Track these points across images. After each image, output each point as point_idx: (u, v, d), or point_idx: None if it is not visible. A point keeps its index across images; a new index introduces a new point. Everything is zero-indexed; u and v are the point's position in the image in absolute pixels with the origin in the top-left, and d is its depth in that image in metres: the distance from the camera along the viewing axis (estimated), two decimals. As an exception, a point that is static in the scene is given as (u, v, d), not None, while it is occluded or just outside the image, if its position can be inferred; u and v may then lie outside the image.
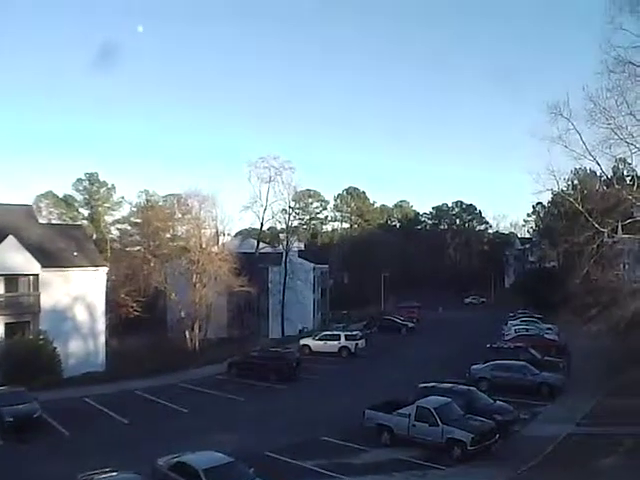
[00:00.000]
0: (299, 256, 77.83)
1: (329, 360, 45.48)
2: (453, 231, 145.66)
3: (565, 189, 47.40)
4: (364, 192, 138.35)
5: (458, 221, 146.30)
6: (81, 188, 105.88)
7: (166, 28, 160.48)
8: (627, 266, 42.16)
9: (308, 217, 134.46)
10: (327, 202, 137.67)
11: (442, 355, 45.82)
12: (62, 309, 41.22)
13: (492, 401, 26.39)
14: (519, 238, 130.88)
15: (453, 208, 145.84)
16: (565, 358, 39.74)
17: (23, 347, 36.37)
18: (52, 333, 38.26)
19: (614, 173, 40.73)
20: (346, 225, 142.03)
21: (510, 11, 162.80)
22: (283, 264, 71.21)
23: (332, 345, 48.35)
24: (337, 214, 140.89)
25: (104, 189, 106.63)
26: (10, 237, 38.51)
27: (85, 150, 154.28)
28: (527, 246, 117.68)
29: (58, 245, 42.74)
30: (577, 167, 45.38)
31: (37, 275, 39.77)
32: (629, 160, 35.15)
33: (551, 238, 75.15)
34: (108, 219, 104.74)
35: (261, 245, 73.18)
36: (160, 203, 76.95)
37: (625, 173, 41.94)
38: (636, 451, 21.19)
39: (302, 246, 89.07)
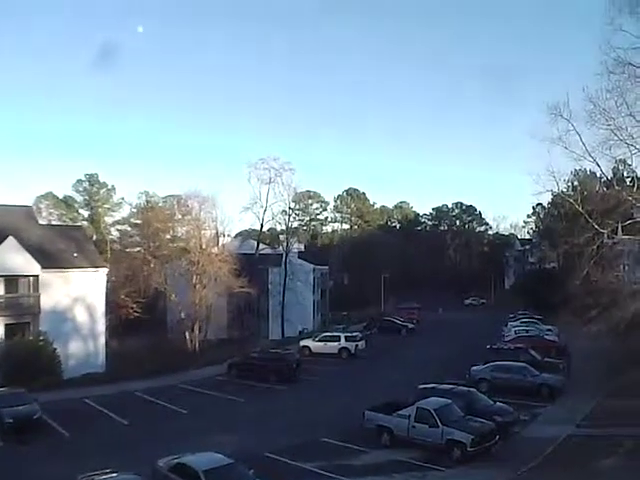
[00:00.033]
0: (299, 257, 77.92)
1: (329, 361, 45.49)
2: (453, 232, 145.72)
3: (565, 190, 47.45)
4: (364, 193, 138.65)
5: (458, 222, 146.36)
6: (81, 189, 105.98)
7: (166, 29, 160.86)
8: (627, 267, 42.17)
9: (308, 218, 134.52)
10: (327, 203, 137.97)
11: (442, 356, 45.80)
12: (62, 310, 41.23)
13: (492, 402, 26.37)
14: (519, 239, 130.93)
15: (453, 209, 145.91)
16: (565, 359, 39.71)
17: (23, 348, 36.35)
18: (52, 334, 38.24)
19: (614, 174, 40.77)
20: (346, 226, 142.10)
21: (510, 12, 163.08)
22: (283, 265, 71.20)
23: (332, 346, 48.34)
24: (337, 215, 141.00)
25: (104, 190, 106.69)
26: (10, 238, 38.52)
27: (85, 151, 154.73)
28: (527, 247, 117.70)
29: (58, 246, 42.74)
30: (577, 168, 45.51)
31: (37, 276, 39.77)
32: (629, 161, 35.15)
33: (551, 239, 75.17)
34: (108, 220, 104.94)
35: (261, 246, 73.17)
36: (160, 204, 76.92)
37: (625, 174, 42.00)
38: (636, 452, 21.17)
39: (302, 247, 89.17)
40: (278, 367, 38.37)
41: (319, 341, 49.69)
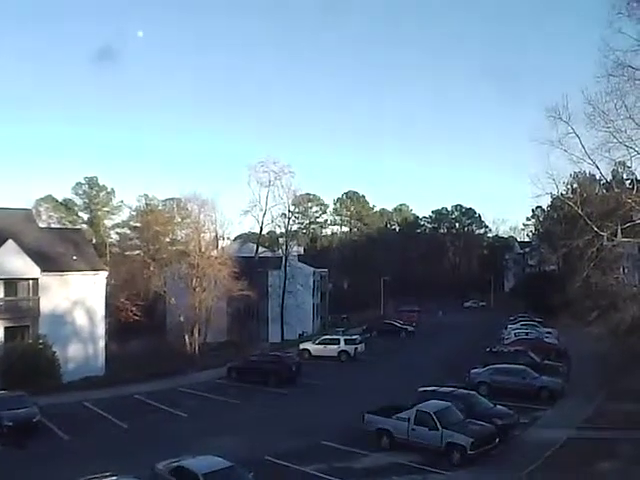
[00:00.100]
0: (299, 260, 77.99)
1: (329, 364, 45.46)
2: (452, 235, 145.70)
3: (564, 193, 47.49)
4: (363, 196, 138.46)
5: (457, 225, 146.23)
6: (81, 192, 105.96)
7: (166, 32, 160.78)
8: (627, 270, 42.16)
9: (307, 221, 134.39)
10: (326, 206, 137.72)
11: (442, 359, 45.75)
12: (61, 313, 41.23)
13: (492, 405, 26.31)
14: (518, 242, 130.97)
15: (452, 212, 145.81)
16: (565, 362, 39.73)
17: (22, 351, 36.35)
18: (51, 337, 38.20)
19: (613, 177, 40.76)
20: (345, 229, 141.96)
21: (510, 15, 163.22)
22: (283, 268, 71.26)
23: (332, 349, 48.28)
24: (336, 218, 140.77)
25: (104, 193, 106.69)
26: (10, 241, 38.52)
27: (85, 154, 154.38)
28: (527, 250, 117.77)
29: (58, 249, 42.75)
30: (576, 171, 45.46)
31: (37, 279, 39.80)
32: (628, 163, 35.16)
33: (550, 242, 75.19)
34: (108, 223, 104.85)
35: (260, 249, 73.23)
36: (160, 207, 77.26)
37: (624, 177, 41.98)
38: (636, 456, 21.14)
39: (301, 250, 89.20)
40: (278, 370, 38.31)
41: (319, 344, 49.62)
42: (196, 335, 52.52)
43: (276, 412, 31.16)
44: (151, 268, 55.22)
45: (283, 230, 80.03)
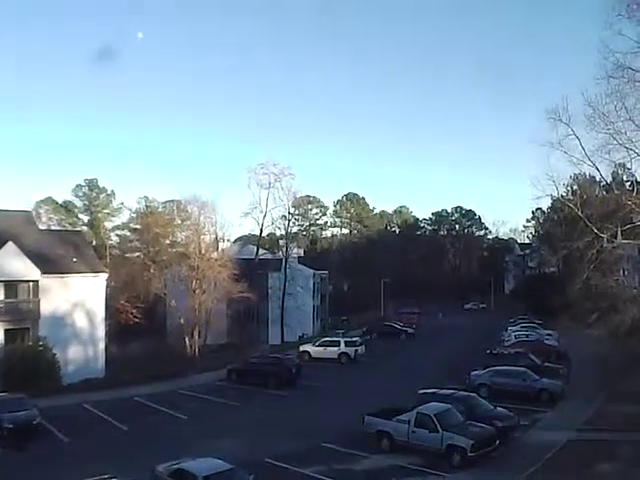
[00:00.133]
0: (299, 262, 77.99)
1: (329, 366, 45.43)
2: (453, 237, 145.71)
3: (564, 194, 47.46)
4: (363, 198, 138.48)
5: (458, 227, 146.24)
6: (81, 194, 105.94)
7: (165, 34, 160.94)
8: (627, 272, 42.16)
9: (308, 223, 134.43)
10: (327, 208, 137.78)
11: (442, 361, 45.74)
12: (62, 315, 41.22)
13: (492, 407, 26.30)
14: (519, 244, 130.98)
15: (452, 214, 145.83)
16: (565, 364, 39.72)
17: (22, 353, 36.33)
18: (52, 339, 38.18)
19: (613, 178, 40.79)
20: (346, 231, 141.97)
21: (509, 16, 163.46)
22: (283, 270, 71.26)
23: (332, 351, 48.24)
24: (337, 220, 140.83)
25: (104, 195, 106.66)
26: (10, 243, 38.53)
27: (85, 156, 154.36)
28: (527, 252, 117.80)
29: (58, 251, 42.75)
30: (576, 172, 45.39)
31: (37, 281, 39.79)
32: (628, 165, 35.21)
33: (551, 244, 75.17)
34: (108, 225, 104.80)
35: (261, 251, 73.23)
36: (160, 209, 77.31)
37: (624, 178, 42.05)
38: (636, 458, 21.15)
39: (302, 252, 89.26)
40: (278, 372, 38.30)
41: (319, 346, 49.59)
42: (196, 337, 52.50)
43: (276, 414, 31.15)
44: (151, 270, 55.21)
45: (283, 232, 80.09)
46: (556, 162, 35.44)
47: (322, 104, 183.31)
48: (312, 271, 79.22)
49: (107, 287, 45.49)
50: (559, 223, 69.77)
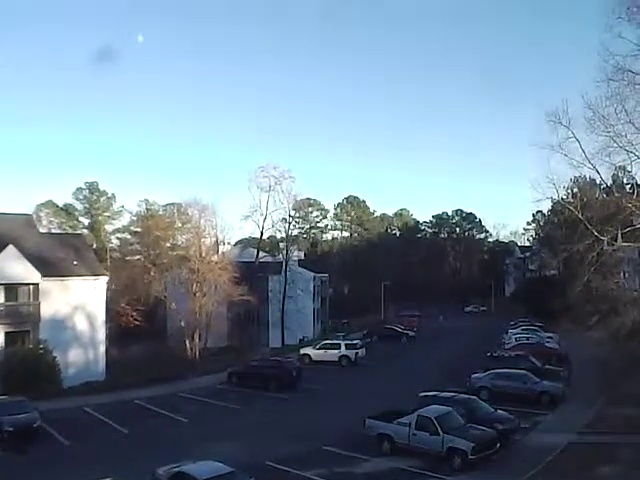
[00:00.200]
0: (299, 265, 77.93)
1: (329, 369, 45.42)
2: (453, 240, 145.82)
3: (565, 197, 47.46)
4: (364, 201, 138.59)
5: (458, 230, 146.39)
6: (81, 197, 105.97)
7: (166, 38, 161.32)
8: (627, 274, 42.21)
9: (308, 226, 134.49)
10: (327, 211, 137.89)
11: (442, 364, 45.71)
12: (62, 318, 41.26)
13: (493, 410, 26.28)
14: (519, 246, 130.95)
15: (453, 217, 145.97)
16: (566, 367, 39.65)
17: (23, 356, 36.34)
18: (52, 342, 38.22)
19: (614, 181, 40.85)
20: (346, 234, 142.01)
21: (509, 20, 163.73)
22: (283, 273, 71.25)
23: (332, 354, 48.22)
24: (337, 223, 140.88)
25: (104, 198, 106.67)
26: (10, 246, 38.58)
27: (85, 159, 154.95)
28: (527, 254, 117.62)
29: (58, 254, 42.78)
30: (577, 175, 45.44)
31: (37, 284, 39.84)
32: (628, 168, 35.30)
33: (551, 246, 75.12)
34: (108, 228, 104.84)
35: (261, 254, 73.30)
36: (160, 212, 77.30)
37: (625, 181, 42.10)
38: (637, 460, 21.16)
39: (302, 255, 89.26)
40: (278, 375, 38.26)
41: (319, 349, 49.57)
42: (197, 340, 52.50)
43: (277, 417, 31.13)
44: (152, 273, 55.20)
45: (283, 235, 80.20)
46: (556, 165, 35.62)
47: (323, 107, 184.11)
48: (312, 274, 79.20)
49: (107, 290, 45.49)
50: (559, 226, 69.80)
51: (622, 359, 36.94)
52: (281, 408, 33.50)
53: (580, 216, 33.77)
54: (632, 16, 26.66)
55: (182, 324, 53.25)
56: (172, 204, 74.77)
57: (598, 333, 42.57)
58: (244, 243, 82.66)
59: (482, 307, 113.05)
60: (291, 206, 74.30)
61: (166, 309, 60.16)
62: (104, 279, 44.60)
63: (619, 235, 32.23)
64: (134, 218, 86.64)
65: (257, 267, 69.24)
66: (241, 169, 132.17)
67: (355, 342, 51.25)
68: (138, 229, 75.60)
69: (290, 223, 79.00)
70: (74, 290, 42.08)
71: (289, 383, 38.13)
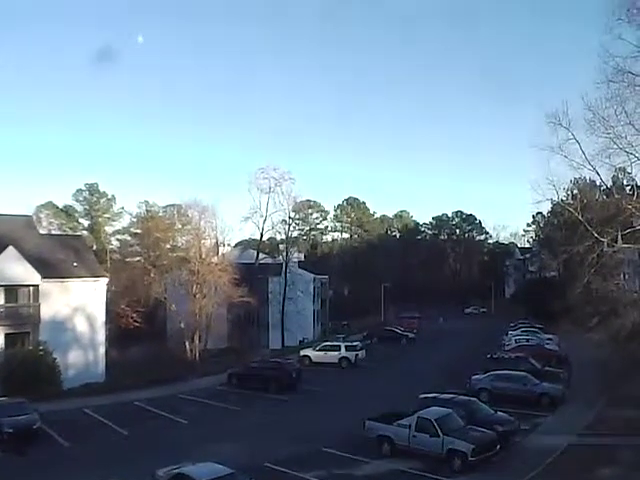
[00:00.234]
0: (299, 267, 78.00)
1: (329, 371, 45.43)
2: (453, 241, 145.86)
3: (565, 199, 47.51)
4: (364, 202, 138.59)
5: (458, 231, 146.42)
6: (81, 199, 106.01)
7: (166, 39, 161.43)
8: (627, 276, 42.19)
9: (308, 227, 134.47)
10: (327, 212, 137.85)
11: (442, 365, 45.71)
12: (62, 320, 41.22)
13: (493, 412, 26.25)
14: (519, 248, 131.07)
15: (453, 218, 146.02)
16: (566, 368, 39.63)
17: (23, 358, 36.33)
18: (52, 344, 38.19)
19: (614, 183, 40.87)
20: (346, 235, 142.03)
21: (509, 21, 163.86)
22: (283, 275, 71.26)
23: (332, 356, 48.23)
24: (337, 224, 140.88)
25: (104, 200, 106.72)
26: (10, 248, 38.56)
27: (85, 160, 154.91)
28: (527, 256, 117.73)
29: (58, 256, 42.76)
30: (577, 177, 45.56)
31: (37, 286, 39.81)
32: (628, 169, 35.24)
33: (551, 248, 75.20)
34: (108, 230, 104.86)
35: (261, 256, 73.28)
36: (160, 214, 77.36)
37: (625, 182, 42.14)
38: (637, 462, 21.13)
39: (302, 257, 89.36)
40: (278, 377, 38.25)
41: (319, 351, 49.57)
42: (196, 341, 52.48)
43: (276, 419, 31.11)
44: (151, 274, 55.22)
45: (283, 236, 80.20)
46: (556, 166, 35.65)
47: (323, 108, 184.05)
48: (312, 275, 79.19)
49: (107, 291, 45.47)
50: (559, 227, 69.81)
51: (622, 361, 36.90)
52: (281, 409, 33.49)
53: (580, 217, 33.77)
54: (632, 18, 26.68)
55: (182, 325, 53.24)
56: (172, 205, 74.92)
57: (598, 335, 42.50)
58: (244, 245, 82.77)
59: (482, 309, 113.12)
60: (291, 208, 74.47)
61: (166, 311, 60.15)
62: (104, 280, 44.58)
63: (619, 237, 32.23)
64: (134, 219, 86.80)
65: (257, 269, 69.24)
66: (241, 170, 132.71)
67: (355, 344, 51.23)
68: (138, 230, 75.63)
69: (290, 225, 79.13)
70: (74, 291, 42.06)
71: (289, 385, 38.12)
